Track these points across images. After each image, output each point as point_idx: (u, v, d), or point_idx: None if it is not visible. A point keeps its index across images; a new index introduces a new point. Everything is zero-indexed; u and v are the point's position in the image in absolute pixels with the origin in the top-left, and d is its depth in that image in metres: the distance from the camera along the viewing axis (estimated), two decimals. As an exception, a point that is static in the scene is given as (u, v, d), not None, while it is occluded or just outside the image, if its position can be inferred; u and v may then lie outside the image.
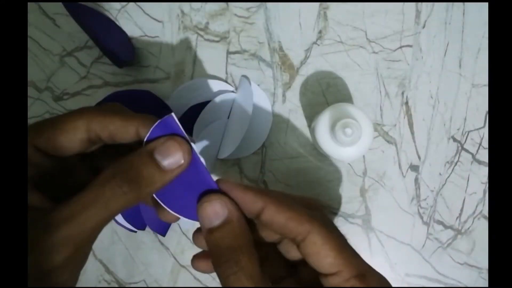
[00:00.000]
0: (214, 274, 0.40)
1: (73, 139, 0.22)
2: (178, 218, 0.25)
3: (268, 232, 0.24)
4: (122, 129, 0.22)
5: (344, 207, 0.40)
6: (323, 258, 0.21)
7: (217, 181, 0.22)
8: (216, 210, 0.22)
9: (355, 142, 0.31)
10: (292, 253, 0.24)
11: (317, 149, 0.40)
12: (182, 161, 0.22)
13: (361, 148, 0.33)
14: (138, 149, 0.22)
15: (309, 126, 0.40)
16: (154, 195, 0.23)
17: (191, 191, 0.23)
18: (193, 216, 0.23)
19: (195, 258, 0.25)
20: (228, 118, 0.40)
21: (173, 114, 0.22)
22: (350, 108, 0.33)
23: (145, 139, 0.22)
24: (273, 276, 0.25)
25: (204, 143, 0.39)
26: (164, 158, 0.21)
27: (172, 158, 0.21)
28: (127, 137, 0.23)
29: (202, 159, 0.23)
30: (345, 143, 0.32)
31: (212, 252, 0.22)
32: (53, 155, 0.23)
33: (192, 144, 0.23)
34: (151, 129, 0.22)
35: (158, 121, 0.22)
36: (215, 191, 0.22)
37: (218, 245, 0.21)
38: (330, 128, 0.33)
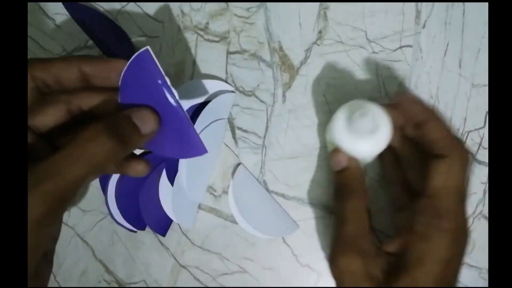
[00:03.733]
0: (215, 274, 0.40)
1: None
2: (146, 171, 0.28)
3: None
4: (64, 70, 0.24)
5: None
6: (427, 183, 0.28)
7: (396, 94, 0.34)
8: (338, 159, 0.32)
9: (375, 130, 0.31)
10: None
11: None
12: (155, 128, 0.25)
13: (380, 142, 0.32)
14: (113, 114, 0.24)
15: (310, 126, 0.40)
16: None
17: (173, 131, 0.26)
18: (179, 155, 0.28)
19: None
20: (227, 118, 0.40)
21: (148, 48, 0.24)
22: (367, 102, 0.33)
23: (121, 75, 0.24)
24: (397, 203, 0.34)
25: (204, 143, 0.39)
26: (141, 123, 0.24)
27: (148, 124, 0.25)
28: (71, 77, 0.24)
29: (177, 97, 0.25)
30: (365, 131, 0.31)
31: (336, 188, 0.32)
32: None
33: (169, 83, 0.25)
34: (127, 64, 0.24)
35: (134, 56, 0.24)
36: None
37: (341, 182, 0.32)
38: (348, 121, 0.32)
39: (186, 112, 0.25)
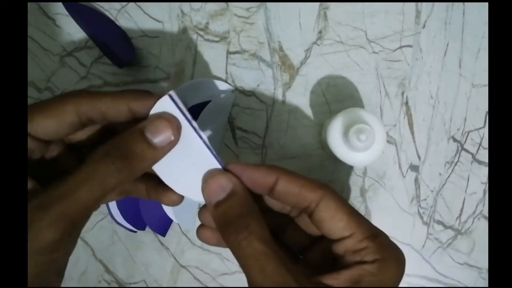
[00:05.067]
0: (215, 274, 0.40)
1: (63, 123, 0.23)
2: (181, 200, 0.26)
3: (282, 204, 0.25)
4: (113, 108, 0.23)
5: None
6: (337, 221, 0.22)
7: (228, 164, 0.23)
8: (221, 184, 0.23)
9: (368, 148, 0.31)
10: (311, 228, 0.25)
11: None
12: (172, 138, 0.22)
13: (374, 153, 0.33)
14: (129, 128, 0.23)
15: (310, 126, 0.40)
16: (160, 177, 0.24)
17: (196, 172, 0.24)
18: (198, 196, 0.24)
19: (201, 227, 0.25)
20: (227, 118, 0.40)
21: (172, 92, 0.23)
22: (363, 113, 0.33)
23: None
24: (293, 247, 0.26)
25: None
26: (154, 136, 0.22)
27: (162, 135, 0.22)
28: (119, 115, 0.23)
29: (206, 140, 0.23)
30: (359, 149, 0.31)
31: (221, 224, 0.22)
32: (43, 139, 0.23)
33: (195, 124, 0.23)
34: (151, 111, 0.23)
35: (157, 102, 0.23)
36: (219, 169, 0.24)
37: (226, 215, 0.22)
38: (343, 133, 0.33)
39: (216, 155, 0.24)
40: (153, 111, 0.23)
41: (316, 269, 0.22)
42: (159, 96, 0.23)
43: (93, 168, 0.21)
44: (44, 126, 0.22)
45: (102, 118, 0.23)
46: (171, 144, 0.23)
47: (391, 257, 0.22)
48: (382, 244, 0.22)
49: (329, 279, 0.21)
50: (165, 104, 0.23)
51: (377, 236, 0.22)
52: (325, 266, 0.22)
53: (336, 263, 0.23)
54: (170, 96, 0.23)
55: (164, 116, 0.22)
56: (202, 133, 0.23)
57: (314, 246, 0.25)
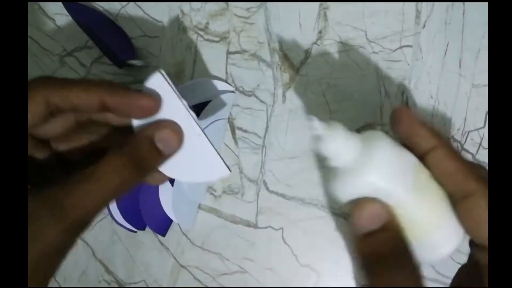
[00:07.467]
0: (215, 274, 0.40)
1: (32, 115, 0.22)
2: (167, 179, 0.27)
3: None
4: (85, 100, 0.23)
5: (345, 207, 0.40)
6: (483, 232, 0.19)
7: (395, 109, 0.22)
8: (376, 212, 0.19)
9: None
10: None
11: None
12: (178, 147, 0.25)
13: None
14: (135, 133, 0.24)
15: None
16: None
17: (186, 151, 0.25)
18: (186, 176, 0.26)
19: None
20: (227, 118, 0.40)
21: (161, 70, 0.24)
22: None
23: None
24: None
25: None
26: (164, 146, 0.24)
27: (171, 146, 0.24)
28: (91, 107, 0.23)
29: (195, 116, 0.25)
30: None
31: (368, 260, 0.19)
32: None
33: (185, 102, 0.24)
34: (144, 88, 0.24)
35: (147, 80, 0.24)
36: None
37: (378, 252, 0.19)
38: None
39: (206, 135, 0.25)
40: (146, 88, 0.24)
41: None
42: (136, 93, 0.24)
43: (106, 178, 0.22)
44: None
45: (72, 109, 0.23)
46: (176, 151, 0.25)
47: None
48: None
49: None
50: (156, 82, 0.24)
51: None
52: None
53: None
54: (161, 73, 0.24)
55: (171, 127, 0.24)
56: (191, 111, 0.24)
57: None
